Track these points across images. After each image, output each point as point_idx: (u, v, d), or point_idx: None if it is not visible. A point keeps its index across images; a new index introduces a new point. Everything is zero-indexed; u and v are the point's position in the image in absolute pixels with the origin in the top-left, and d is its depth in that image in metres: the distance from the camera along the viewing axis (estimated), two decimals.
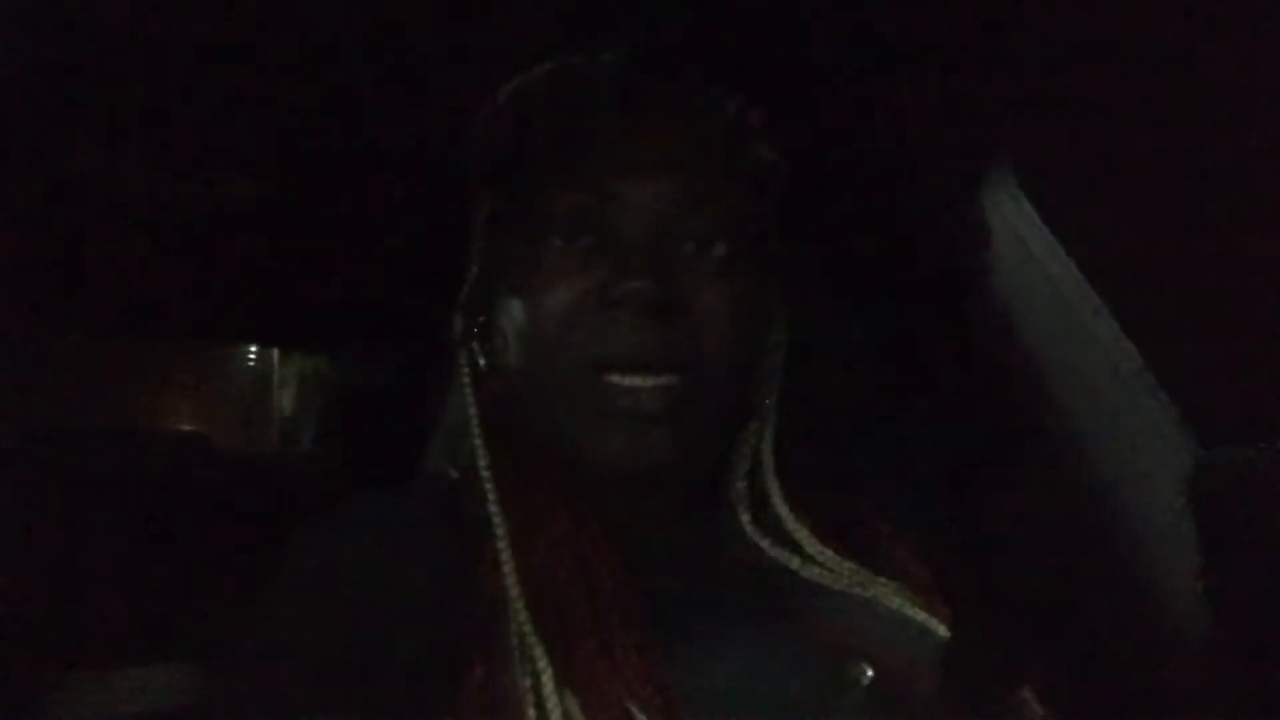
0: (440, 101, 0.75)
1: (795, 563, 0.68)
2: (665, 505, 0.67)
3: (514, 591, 0.57)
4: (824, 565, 0.68)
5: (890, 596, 0.67)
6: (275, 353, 4.27)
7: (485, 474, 0.63)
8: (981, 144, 0.86)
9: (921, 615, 0.66)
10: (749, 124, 0.70)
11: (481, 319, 0.69)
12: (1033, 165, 0.84)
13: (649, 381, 0.61)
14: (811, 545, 0.68)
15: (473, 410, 0.67)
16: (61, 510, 1.51)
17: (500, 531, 0.60)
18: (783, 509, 0.69)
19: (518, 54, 0.70)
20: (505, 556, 0.59)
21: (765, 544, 0.68)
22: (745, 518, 0.69)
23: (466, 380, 0.68)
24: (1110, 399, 0.81)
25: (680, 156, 0.65)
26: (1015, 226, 0.84)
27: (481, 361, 0.68)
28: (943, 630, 0.66)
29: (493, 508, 0.61)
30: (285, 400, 4.21)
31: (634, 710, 0.54)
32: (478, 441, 0.65)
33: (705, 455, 0.68)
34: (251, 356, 4.46)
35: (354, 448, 2.16)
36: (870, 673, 0.61)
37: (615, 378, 0.61)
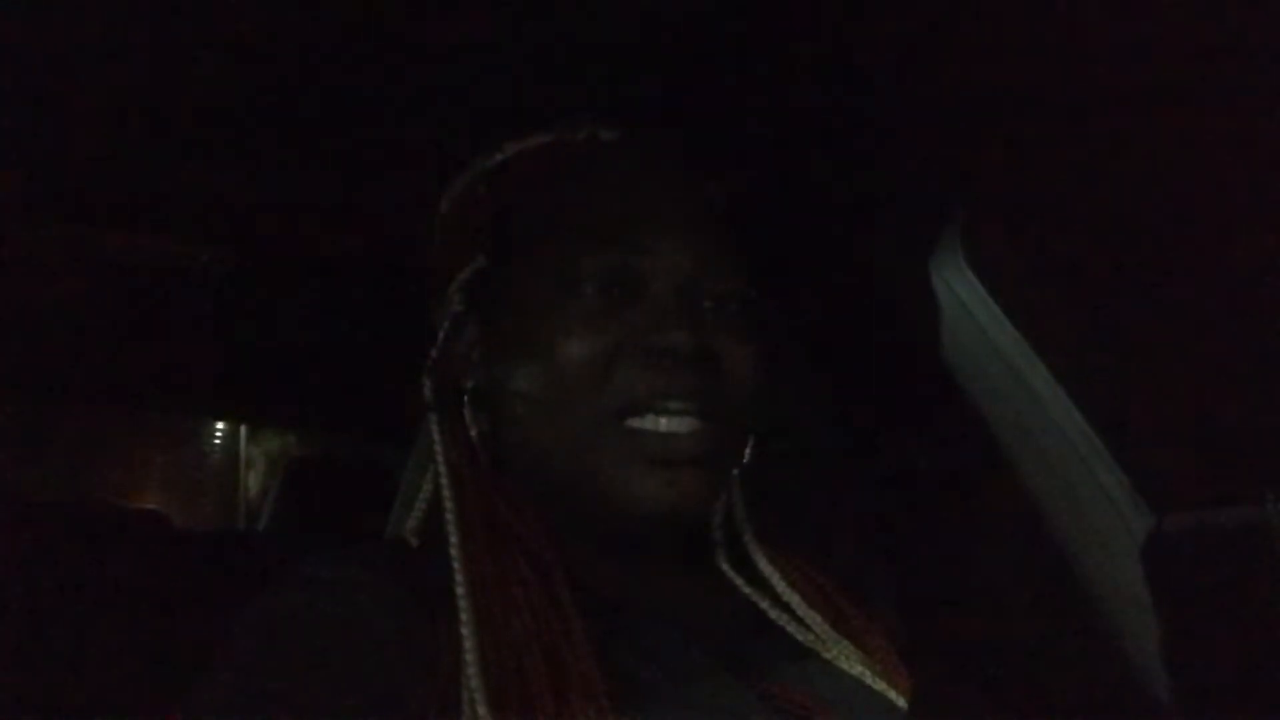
0: (407, 179, 0.76)
1: (765, 603, 0.69)
2: (657, 557, 0.68)
3: (472, 667, 0.56)
4: (793, 610, 0.69)
5: (852, 662, 0.67)
6: (243, 430, 4.23)
7: (454, 541, 0.62)
8: (930, 217, 0.88)
9: (881, 685, 0.66)
10: (723, 202, 0.74)
11: (470, 384, 0.69)
12: (979, 239, 0.86)
13: (683, 426, 0.63)
14: (780, 585, 0.70)
15: (446, 478, 0.66)
16: (21, 585, 1.47)
17: (464, 601, 0.59)
18: (755, 551, 0.72)
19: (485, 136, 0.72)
20: (467, 620, 0.58)
21: (739, 582, 0.71)
22: (723, 561, 0.72)
23: (439, 447, 0.67)
24: (1063, 468, 0.82)
25: (699, 222, 0.69)
26: (962, 298, 0.86)
27: (473, 431, 0.68)
28: (902, 701, 0.66)
29: (458, 577, 0.60)
30: (252, 479, 4.16)
31: None
32: (450, 509, 0.64)
33: (716, 499, 0.70)
34: (219, 434, 4.41)
35: (320, 527, 2.12)
36: None
37: (649, 423, 0.63)
